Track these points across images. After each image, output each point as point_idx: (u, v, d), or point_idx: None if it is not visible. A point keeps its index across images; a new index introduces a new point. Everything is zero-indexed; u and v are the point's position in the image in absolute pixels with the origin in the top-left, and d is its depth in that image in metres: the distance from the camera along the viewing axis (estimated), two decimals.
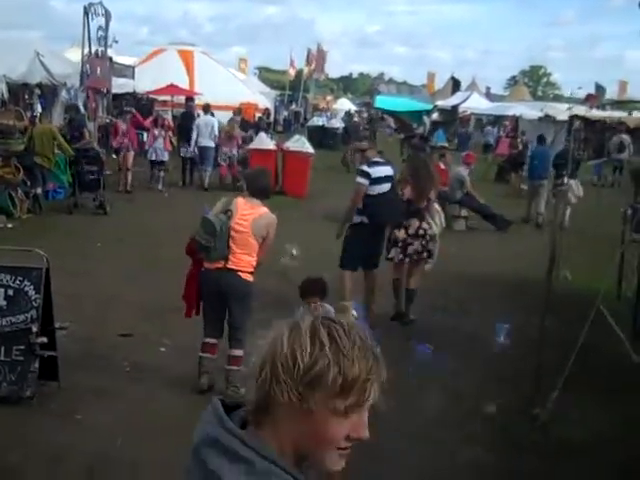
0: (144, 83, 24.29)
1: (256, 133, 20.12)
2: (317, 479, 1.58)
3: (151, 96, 25.07)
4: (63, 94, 17.13)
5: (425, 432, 5.74)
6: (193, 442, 1.48)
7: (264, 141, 18.28)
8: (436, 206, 9.05)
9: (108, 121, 19.49)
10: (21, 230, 11.75)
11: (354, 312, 7.28)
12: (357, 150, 8.81)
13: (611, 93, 43.20)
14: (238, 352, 5.98)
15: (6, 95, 14.70)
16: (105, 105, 19.63)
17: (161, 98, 25.64)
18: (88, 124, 16.63)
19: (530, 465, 5.37)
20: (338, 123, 32.98)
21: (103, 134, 18.90)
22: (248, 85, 34.01)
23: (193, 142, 18.06)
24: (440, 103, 39.62)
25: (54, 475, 4.80)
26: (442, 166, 14.79)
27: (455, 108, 36.68)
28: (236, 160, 18.07)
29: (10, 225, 12.21)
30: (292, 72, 45.13)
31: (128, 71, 22.62)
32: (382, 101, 40.67)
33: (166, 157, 17.32)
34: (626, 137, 24.67)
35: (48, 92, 16.93)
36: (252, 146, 18.06)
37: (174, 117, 23.26)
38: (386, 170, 8.26)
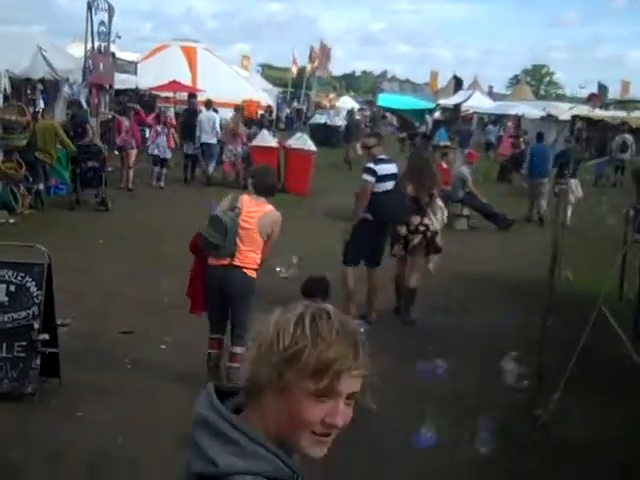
0: (147, 79, 24.26)
1: (260, 130, 20.13)
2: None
3: (153, 92, 25.07)
4: (65, 89, 17.09)
5: (423, 432, 5.73)
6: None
7: (266, 138, 18.28)
8: (439, 202, 9.09)
9: (110, 117, 19.48)
10: (23, 226, 11.76)
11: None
12: (363, 147, 8.83)
13: (614, 93, 43.25)
14: (239, 349, 5.98)
15: (9, 90, 14.67)
16: (107, 101, 19.61)
17: (163, 94, 25.66)
18: (90, 120, 16.62)
19: (531, 465, 5.36)
20: (340, 121, 32.94)
21: (105, 130, 18.89)
22: (251, 82, 34.00)
23: (197, 139, 18.18)
24: (442, 102, 39.53)
25: (55, 472, 4.80)
26: (444, 165, 14.80)
27: (457, 107, 36.59)
28: (240, 157, 18.07)
29: (12, 221, 12.21)
30: (294, 69, 45.07)
31: (130, 67, 22.57)
32: (385, 99, 40.51)
33: (169, 155, 17.31)
34: (629, 137, 24.63)
35: (50, 87, 16.90)
36: (254, 143, 18.06)
37: (176, 114, 23.29)
38: (391, 168, 8.31)
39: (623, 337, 7.04)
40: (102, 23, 17.50)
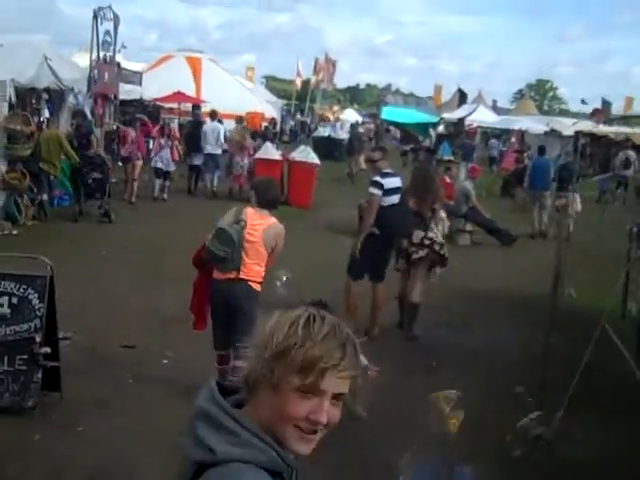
0: (151, 90, 24.30)
1: (264, 143, 20.22)
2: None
3: (158, 103, 25.13)
4: (70, 99, 17.11)
5: (426, 448, 5.70)
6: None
7: (270, 151, 18.31)
8: (442, 214, 9.13)
9: (115, 127, 19.51)
10: (26, 237, 11.75)
11: None
12: (368, 161, 8.86)
13: (617, 108, 43.23)
14: (242, 363, 5.93)
15: (14, 99, 14.68)
16: (112, 111, 19.64)
17: (167, 105, 25.71)
18: (95, 130, 16.64)
19: None
20: (344, 134, 32.98)
21: (109, 141, 18.94)
22: (255, 94, 34.06)
23: (202, 150, 18.35)
24: (446, 115, 39.62)
25: None
26: (448, 180, 14.78)
27: (461, 121, 36.66)
28: (246, 170, 18.12)
29: (15, 232, 12.20)
30: (299, 82, 45.19)
31: (135, 77, 22.62)
32: (389, 112, 40.67)
33: (172, 168, 17.30)
34: (632, 153, 24.59)
35: (56, 97, 16.91)
36: (258, 156, 18.09)
37: (180, 125, 23.35)
38: (396, 181, 8.33)
39: (626, 355, 6.99)
40: (107, 33, 17.54)
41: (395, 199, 8.20)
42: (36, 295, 5.85)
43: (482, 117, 37.91)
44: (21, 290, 5.86)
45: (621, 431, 6.24)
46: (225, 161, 19.25)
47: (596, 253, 12.25)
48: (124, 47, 23.06)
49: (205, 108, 22.61)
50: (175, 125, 22.45)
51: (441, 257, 8.65)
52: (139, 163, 16.68)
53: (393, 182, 8.25)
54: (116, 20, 17.86)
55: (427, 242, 8.52)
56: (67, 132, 15.60)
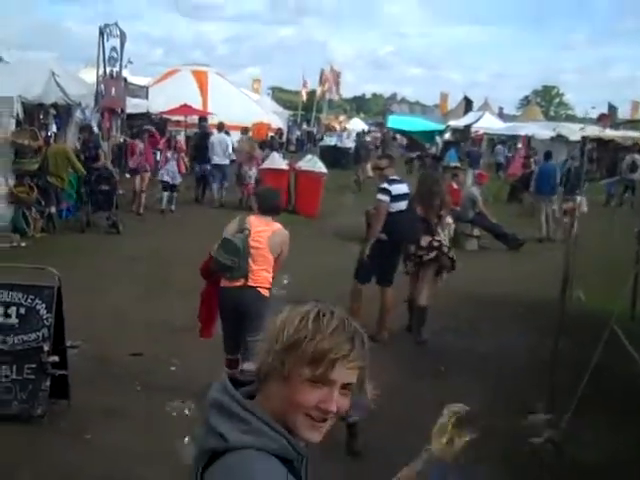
0: (158, 103, 24.41)
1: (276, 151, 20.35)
2: None
3: (164, 116, 25.24)
4: (78, 114, 17.20)
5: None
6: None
7: (276, 161, 18.35)
8: (449, 219, 9.21)
9: (122, 141, 19.61)
10: (34, 249, 11.82)
11: None
12: (375, 168, 8.95)
13: (623, 113, 43.19)
14: (251, 366, 5.96)
15: (21, 115, 14.77)
16: (119, 125, 19.75)
17: (174, 118, 25.82)
18: (102, 144, 16.72)
19: None
20: (350, 143, 33.04)
21: (117, 154, 19.03)
22: (261, 105, 34.20)
23: (209, 160, 18.55)
24: (452, 123, 39.63)
25: None
26: (455, 186, 14.79)
27: (468, 128, 36.66)
28: (254, 179, 18.20)
29: (24, 244, 12.28)
30: (305, 93, 45.33)
31: (142, 91, 22.73)
32: (395, 121, 40.71)
33: (178, 180, 17.35)
34: (638, 157, 24.57)
35: (63, 112, 17.00)
36: (265, 166, 18.13)
37: (187, 137, 23.46)
38: (403, 188, 8.42)
39: (636, 357, 6.97)
40: (114, 49, 17.65)
41: (402, 205, 8.27)
42: (44, 305, 5.90)
43: (488, 124, 37.90)
44: (29, 300, 5.91)
45: (631, 433, 6.21)
46: (234, 171, 19.41)
47: (605, 256, 12.20)
48: (130, 62, 23.26)
49: (212, 120, 22.72)
50: (182, 137, 22.56)
51: (450, 260, 8.74)
52: (147, 175, 16.75)
53: (400, 189, 8.33)
54: (122, 37, 17.98)
55: (436, 244, 8.62)
56: (74, 147, 15.69)
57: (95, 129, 16.92)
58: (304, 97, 45.30)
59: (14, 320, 5.85)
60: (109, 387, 6.41)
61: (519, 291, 10.84)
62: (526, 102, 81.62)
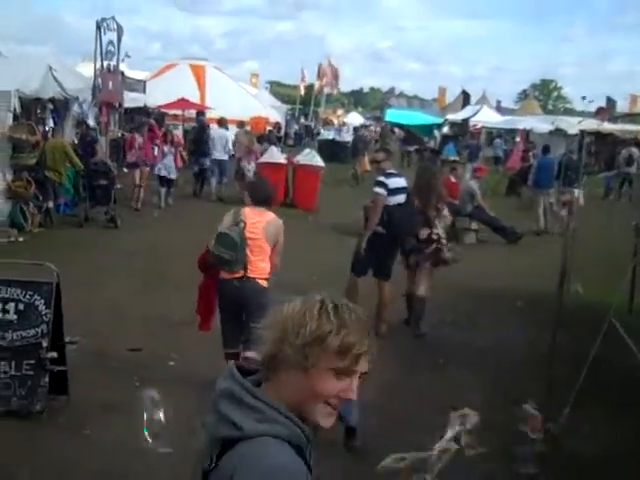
0: (155, 97, 24.36)
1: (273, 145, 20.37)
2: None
3: (162, 110, 25.19)
4: (75, 108, 17.15)
5: (431, 443, 5.69)
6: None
7: (275, 155, 18.37)
8: (445, 212, 9.26)
9: (120, 135, 19.58)
10: (32, 244, 11.81)
11: None
12: (372, 162, 8.99)
13: (622, 107, 43.17)
14: (252, 354, 6.05)
15: (19, 110, 14.74)
16: (117, 119, 19.72)
17: (172, 112, 25.77)
18: (100, 138, 16.70)
19: (542, 479, 5.31)
20: (349, 137, 33.02)
21: (115, 148, 19.01)
22: (259, 99, 34.12)
23: (209, 155, 18.68)
24: (451, 117, 39.59)
25: None
26: (453, 179, 14.79)
27: (466, 121, 36.63)
28: (253, 173, 18.20)
29: (21, 239, 12.28)
30: (302, 87, 45.23)
31: (139, 85, 22.69)
32: (393, 114, 40.67)
33: (175, 175, 17.30)
34: (635, 150, 24.63)
35: (60, 107, 16.96)
36: (263, 160, 18.14)
37: (185, 131, 23.42)
38: (401, 182, 8.43)
39: (634, 349, 6.98)
40: (111, 43, 17.58)
41: (400, 199, 8.28)
42: (42, 301, 5.90)
43: (486, 118, 37.86)
44: (27, 296, 5.91)
45: (629, 425, 6.23)
46: (234, 166, 19.43)
47: (603, 249, 12.21)
48: (128, 56, 23.16)
49: (209, 114, 22.69)
50: (179, 131, 22.53)
51: (442, 257, 8.82)
52: (146, 169, 16.73)
53: (397, 182, 8.34)
54: (119, 31, 17.91)
55: (434, 237, 8.70)
56: (72, 141, 15.67)
57: (93, 123, 16.89)
58: (302, 91, 45.20)
59: (13, 316, 5.85)
60: (108, 383, 6.41)
61: (517, 284, 10.85)
62: (524, 96, 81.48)
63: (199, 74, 29.82)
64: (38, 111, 16.21)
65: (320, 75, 40.98)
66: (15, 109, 14.25)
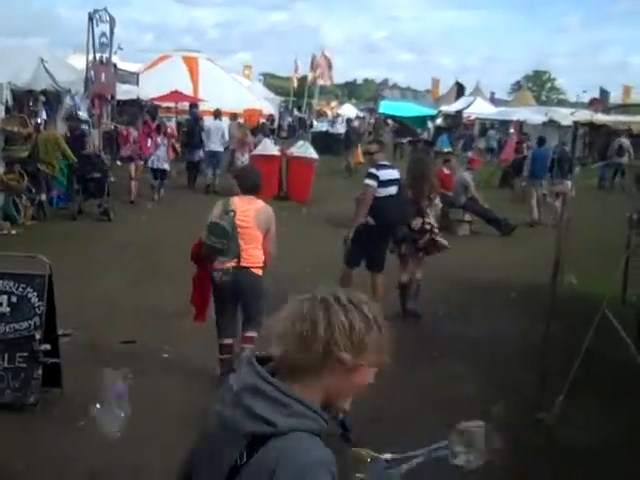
0: (148, 89, 24.28)
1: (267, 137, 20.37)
2: None
3: (155, 102, 25.11)
4: (67, 101, 17.09)
5: (430, 437, 5.70)
6: (227, 391, 1.80)
7: (268, 147, 18.34)
8: (436, 201, 9.40)
9: (112, 127, 19.51)
10: (25, 236, 11.78)
11: None
12: (365, 153, 9.03)
13: (616, 98, 43.18)
14: (252, 333, 6.19)
15: (10, 102, 14.67)
16: (109, 111, 19.64)
17: (165, 104, 25.70)
18: (92, 131, 16.64)
19: (535, 470, 5.34)
20: (342, 129, 32.97)
21: (108, 141, 18.94)
22: (252, 91, 34.03)
23: (204, 146, 18.80)
24: (444, 108, 39.58)
25: None
26: (446, 171, 14.80)
27: (459, 113, 36.63)
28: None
29: (14, 231, 12.25)
30: (295, 79, 45.13)
31: (132, 77, 22.61)
32: (386, 106, 40.60)
33: (166, 166, 17.22)
34: (625, 140, 24.72)
35: (53, 99, 16.90)
36: (257, 152, 18.12)
37: (178, 124, 23.37)
38: (393, 173, 8.42)
39: (627, 340, 7.01)
40: (103, 34, 17.48)
41: (392, 190, 8.28)
42: (35, 294, 5.88)
43: (480, 109, 37.88)
44: (20, 289, 5.89)
45: (622, 416, 6.24)
46: (227, 158, 19.42)
47: (596, 240, 12.24)
48: (120, 49, 22.93)
49: (203, 107, 22.63)
50: (173, 123, 22.47)
51: (438, 243, 9.00)
52: (140, 163, 16.69)
53: (389, 174, 8.34)
54: (112, 22, 17.81)
55: (427, 227, 8.85)
56: (65, 134, 15.60)
57: (85, 116, 16.81)
58: (295, 83, 45.11)
59: (5, 309, 5.84)
60: (102, 375, 6.39)
61: (511, 276, 10.86)
62: (517, 87, 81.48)
63: (192, 66, 29.72)
64: (30, 103, 16.15)
65: (314, 67, 40.91)
66: (7, 101, 14.20)
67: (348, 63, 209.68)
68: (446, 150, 19.94)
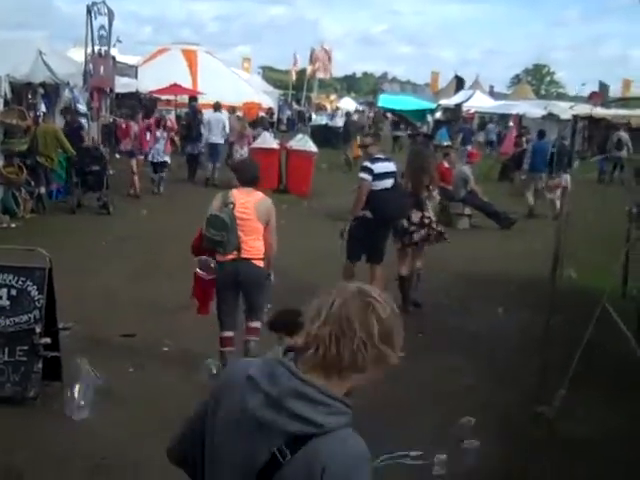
0: (147, 82, 24.25)
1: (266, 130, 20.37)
2: None
3: (154, 95, 25.08)
4: (66, 94, 17.05)
5: (430, 430, 5.71)
6: (253, 388, 1.84)
7: (267, 140, 18.32)
8: (435, 193, 9.45)
9: (111, 120, 19.48)
10: (24, 230, 11.76)
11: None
12: (360, 146, 9.03)
13: (615, 91, 43.13)
14: (256, 324, 6.23)
15: (9, 95, 14.65)
16: (108, 104, 19.61)
17: (164, 97, 25.66)
18: (91, 124, 16.60)
19: (536, 462, 5.34)
20: (342, 122, 32.93)
21: (107, 134, 18.92)
22: (252, 84, 33.97)
23: (204, 139, 18.83)
24: (443, 102, 39.50)
25: (57, 476, 4.78)
26: (446, 165, 14.78)
27: (459, 106, 36.55)
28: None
29: (14, 225, 12.24)
30: (294, 72, 45.04)
31: (131, 70, 22.54)
32: (385, 100, 40.50)
33: (167, 158, 17.18)
34: (624, 134, 24.71)
35: (51, 92, 16.87)
36: (255, 145, 18.10)
37: (178, 117, 23.34)
38: (388, 166, 8.41)
39: (627, 334, 7.01)
40: (102, 27, 17.43)
41: (387, 183, 8.26)
42: (35, 287, 5.87)
43: (479, 103, 37.82)
44: (20, 282, 5.88)
45: (622, 409, 6.25)
46: (226, 150, 19.42)
47: (596, 233, 12.24)
48: (119, 41, 23.02)
49: (202, 100, 22.59)
50: (172, 116, 22.44)
51: (439, 233, 9.06)
52: (141, 158, 16.65)
53: (384, 167, 8.32)
54: (110, 15, 17.76)
55: (426, 221, 8.87)
56: (63, 127, 15.57)
57: (84, 109, 16.77)
58: (293, 76, 45.04)
59: (5, 302, 5.83)
60: (102, 368, 6.38)
61: (510, 269, 10.86)
62: (517, 81, 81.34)
63: (191, 59, 29.66)
64: (29, 96, 16.13)
65: (312, 60, 40.83)
66: (6, 94, 14.17)
67: (347, 56, 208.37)
68: (445, 144, 19.90)
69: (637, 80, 50.33)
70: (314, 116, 37.73)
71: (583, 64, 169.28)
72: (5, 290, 5.85)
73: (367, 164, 8.26)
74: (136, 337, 7.26)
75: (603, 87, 38.09)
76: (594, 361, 6.52)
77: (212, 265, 6.27)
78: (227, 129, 19.13)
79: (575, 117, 22.40)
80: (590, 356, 6.23)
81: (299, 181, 17.59)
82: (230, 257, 6.08)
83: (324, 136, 29.36)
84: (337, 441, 1.78)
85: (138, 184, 16.18)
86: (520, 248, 12.63)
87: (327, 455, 1.75)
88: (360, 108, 49.41)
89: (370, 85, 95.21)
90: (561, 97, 65.61)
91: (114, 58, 19.27)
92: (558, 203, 12.88)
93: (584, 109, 25.56)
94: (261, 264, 6.20)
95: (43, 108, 16.48)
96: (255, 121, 22.80)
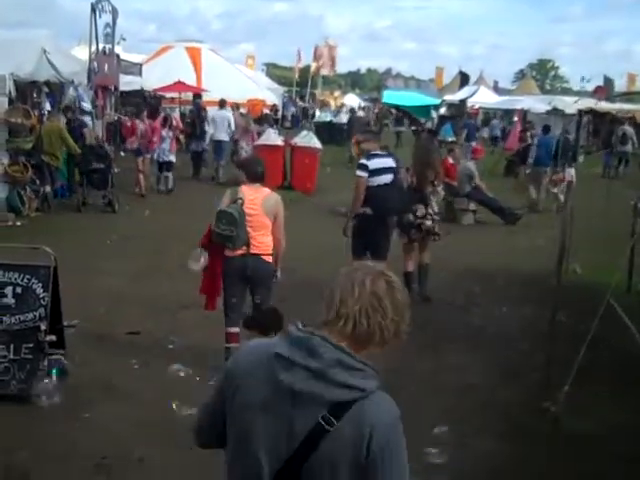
0: (151, 80, 24.25)
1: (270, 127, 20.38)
2: None
3: (159, 93, 25.08)
4: (71, 92, 17.06)
5: (436, 424, 5.71)
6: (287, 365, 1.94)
7: (272, 137, 18.29)
8: (439, 188, 9.48)
9: (116, 118, 19.50)
10: (30, 228, 11.79)
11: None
12: (355, 143, 9.07)
13: (620, 86, 43.02)
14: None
15: (14, 93, 14.66)
16: (113, 102, 19.63)
17: (168, 95, 25.67)
18: (96, 122, 16.62)
19: (541, 457, 5.33)
20: (345, 118, 32.92)
21: (111, 132, 18.95)
22: (256, 81, 33.96)
23: (208, 136, 18.88)
24: (448, 97, 39.44)
25: (62, 473, 4.79)
26: (451, 161, 14.77)
27: (463, 102, 36.48)
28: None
29: (19, 223, 12.27)
30: (298, 69, 45.02)
31: (135, 68, 22.57)
32: (390, 96, 40.45)
33: (172, 158, 17.15)
34: (628, 128, 24.64)
35: (56, 90, 16.88)
36: (260, 142, 18.09)
37: (182, 114, 23.35)
38: (386, 162, 8.40)
39: (632, 328, 6.99)
40: (107, 25, 17.49)
41: (385, 179, 8.27)
42: (40, 285, 5.89)
43: (483, 98, 37.76)
44: (25, 280, 5.90)
45: (628, 404, 6.24)
46: (231, 147, 19.44)
47: (601, 228, 12.21)
48: (123, 39, 23.03)
49: (206, 97, 22.60)
50: (177, 114, 22.45)
51: (435, 231, 9.18)
52: (147, 157, 16.65)
53: (381, 162, 8.33)
54: (114, 13, 17.81)
55: (429, 217, 8.99)
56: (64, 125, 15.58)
57: (88, 107, 16.78)
58: (297, 73, 45.02)
59: (10, 300, 5.84)
60: (107, 366, 6.41)
61: (515, 264, 10.85)
62: (521, 76, 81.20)
63: (195, 56, 29.65)
64: (34, 95, 16.13)
65: (316, 56, 40.81)
66: (10, 92, 14.18)
67: (351, 53, 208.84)
68: (450, 140, 19.89)
69: None
70: (318, 113, 37.66)
71: (587, 59, 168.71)
72: (10, 288, 5.86)
73: (363, 161, 8.31)
74: (141, 334, 7.27)
75: (608, 81, 38.02)
76: (599, 356, 6.52)
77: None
78: (232, 126, 19.14)
79: (580, 111, 22.32)
80: (595, 351, 6.22)
81: (304, 178, 17.58)
82: (239, 252, 6.13)
83: (328, 133, 29.36)
84: (378, 402, 1.96)
85: (144, 182, 16.19)
86: (525, 243, 12.62)
87: (373, 415, 1.93)
88: (364, 104, 49.42)
89: (374, 81, 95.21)
90: (565, 92, 65.45)
91: (118, 56, 19.29)
92: (562, 197, 12.89)
93: (588, 104, 25.47)
94: (270, 260, 6.25)
95: (48, 107, 16.47)
96: (260, 118, 22.80)
